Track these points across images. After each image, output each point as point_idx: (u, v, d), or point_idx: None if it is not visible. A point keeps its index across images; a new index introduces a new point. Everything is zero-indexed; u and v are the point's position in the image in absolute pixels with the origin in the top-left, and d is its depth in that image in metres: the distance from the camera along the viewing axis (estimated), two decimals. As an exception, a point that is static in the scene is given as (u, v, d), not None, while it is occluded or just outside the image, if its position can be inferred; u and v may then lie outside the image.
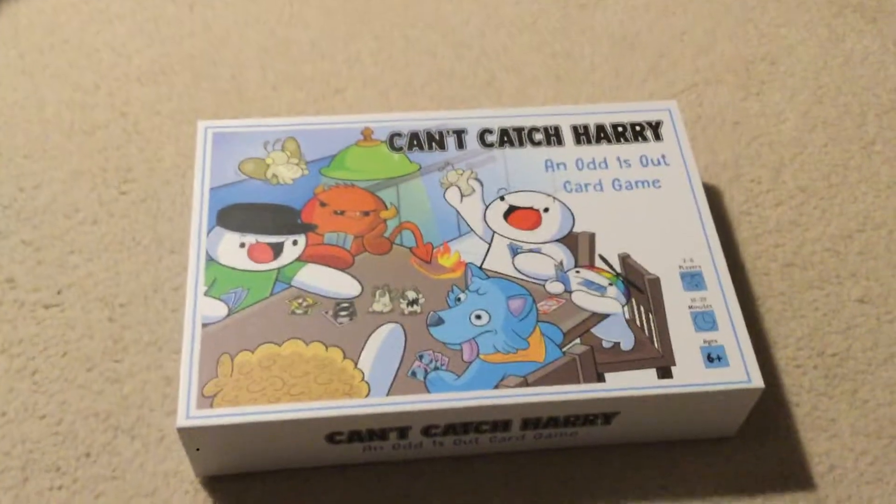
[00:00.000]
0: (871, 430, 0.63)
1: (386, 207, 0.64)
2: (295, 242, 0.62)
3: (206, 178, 0.64)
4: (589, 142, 0.68)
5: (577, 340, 0.58)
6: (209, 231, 0.61)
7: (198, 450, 0.55)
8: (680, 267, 0.62)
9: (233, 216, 0.62)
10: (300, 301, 0.59)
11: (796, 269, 0.70)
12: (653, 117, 0.69)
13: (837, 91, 0.81)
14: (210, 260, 0.60)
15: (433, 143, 0.67)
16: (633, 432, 0.59)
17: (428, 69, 0.80)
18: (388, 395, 0.55)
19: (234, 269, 0.60)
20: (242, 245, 0.61)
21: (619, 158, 0.67)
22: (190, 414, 0.54)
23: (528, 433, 0.58)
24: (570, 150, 0.67)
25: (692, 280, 0.61)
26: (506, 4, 0.85)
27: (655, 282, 0.61)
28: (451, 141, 0.67)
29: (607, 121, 0.69)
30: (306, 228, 0.62)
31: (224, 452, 0.56)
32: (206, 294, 0.59)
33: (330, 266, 0.61)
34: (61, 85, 0.77)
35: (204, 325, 0.57)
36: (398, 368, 0.56)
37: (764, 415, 0.62)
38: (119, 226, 0.69)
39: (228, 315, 0.58)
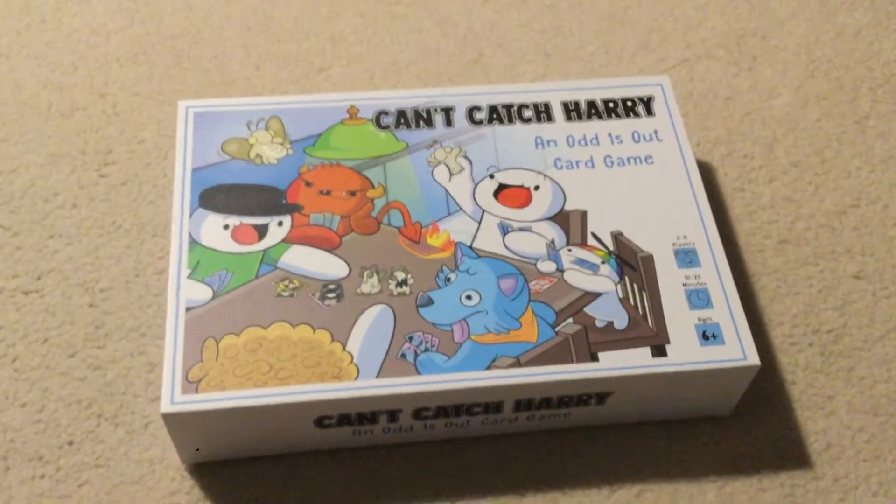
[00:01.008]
0: (868, 408, 0.62)
1: (373, 187, 0.62)
2: (280, 224, 0.60)
3: (187, 158, 0.63)
4: (580, 118, 0.66)
5: (570, 320, 0.57)
6: (192, 213, 0.60)
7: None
8: (673, 244, 0.60)
9: (216, 197, 0.61)
10: (286, 283, 0.57)
11: (790, 245, 0.69)
12: (644, 93, 0.68)
13: (830, 65, 0.79)
14: (193, 242, 0.59)
15: (421, 121, 0.66)
16: (628, 412, 0.58)
17: (414, 47, 0.78)
18: (377, 377, 0.54)
19: (217, 251, 0.59)
20: (226, 227, 0.60)
21: (610, 135, 0.66)
22: (175, 399, 0.52)
23: (521, 415, 0.57)
24: (560, 127, 0.66)
25: (686, 257, 0.60)
26: None
27: (649, 259, 0.60)
28: (439, 119, 0.66)
29: (598, 97, 0.67)
30: (291, 209, 0.61)
31: (211, 438, 0.55)
32: (189, 277, 0.57)
33: (316, 247, 0.59)
34: (38, 66, 0.75)
35: (188, 309, 0.56)
36: (387, 350, 0.55)
37: (759, 393, 0.62)
38: (99, 209, 0.68)
39: (213, 298, 0.56)
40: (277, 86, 0.75)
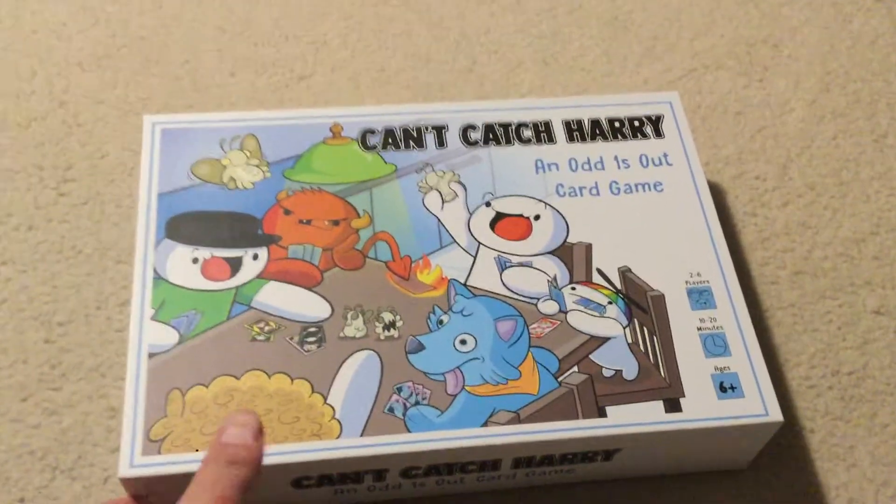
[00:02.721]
0: (892, 459, 0.57)
1: (358, 215, 0.57)
2: (255, 257, 0.54)
3: (153, 182, 0.57)
4: (583, 139, 0.61)
5: (575, 368, 0.52)
6: (157, 244, 0.54)
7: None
8: (686, 282, 0.55)
9: (184, 227, 0.55)
10: (261, 325, 0.52)
11: (807, 276, 0.64)
12: (653, 111, 0.62)
13: (846, 77, 0.74)
14: (158, 278, 0.53)
15: (410, 141, 0.60)
16: (636, 467, 0.53)
17: (403, 53, 0.72)
18: (362, 435, 0.49)
19: (185, 288, 0.53)
20: (195, 260, 0.54)
21: (616, 158, 0.60)
22: (134, 462, 0.47)
23: (520, 471, 0.52)
24: (562, 149, 0.60)
25: (700, 297, 0.55)
26: None
27: (659, 299, 0.55)
28: (430, 138, 0.60)
29: (603, 115, 0.62)
30: (268, 240, 0.55)
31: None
32: (153, 318, 0.51)
33: (295, 284, 0.54)
34: (-8, 71, 0.69)
35: (151, 356, 0.50)
36: (374, 404, 0.50)
37: (776, 442, 0.57)
38: (57, 232, 0.62)
39: (179, 343, 0.51)
40: (254, 94, 0.69)
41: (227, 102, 0.68)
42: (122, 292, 0.60)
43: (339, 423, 0.49)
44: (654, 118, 0.62)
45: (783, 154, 0.70)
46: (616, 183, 0.59)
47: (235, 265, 0.54)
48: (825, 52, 0.76)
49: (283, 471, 0.48)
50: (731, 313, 0.54)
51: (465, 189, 0.58)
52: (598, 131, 0.61)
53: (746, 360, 0.53)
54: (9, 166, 0.64)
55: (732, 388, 0.52)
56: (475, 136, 0.61)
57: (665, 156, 0.61)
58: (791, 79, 0.74)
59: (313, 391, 0.50)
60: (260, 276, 0.54)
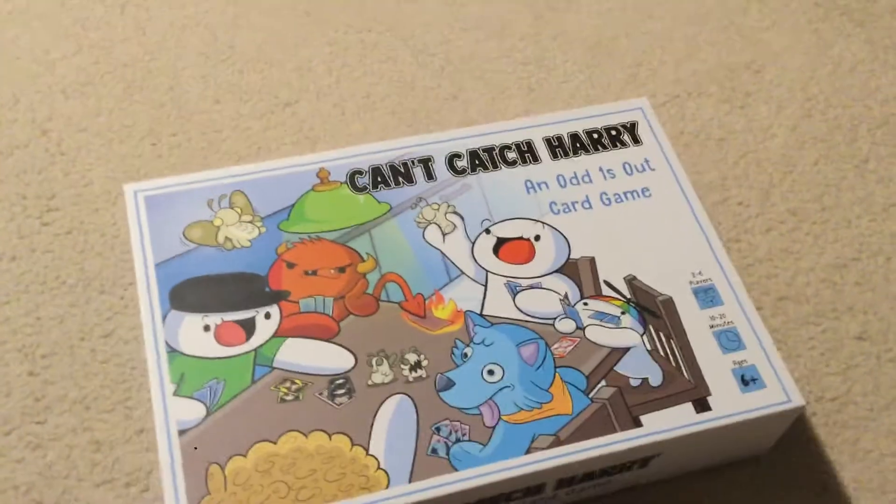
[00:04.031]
0: (876, 484, 0.58)
1: (362, 259, 0.56)
2: (268, 316, 0.54)
3: (147, 253, 0.55)
4: (566, 154, 0.62)
5: (603, 382, 0.53)
6: (164, 317, 0.53)
7: None
8: (690, 282, 0.57)
9: (189, 294, 0.54)
10: (288, 385, 0.51)
11: (790, 302, 0.65)
12: (626, 119, 0.64)
13: (827, 103, 0.75)
14: (172, 351, 0.52)
15: (399, 178, 0.60)
16: (670, 470, 0.55)
17: (388, 79, 0.72)
18: (410, 481, 0.48)
19: (202, 358, 0.52)
20: (207, 328, 0.53)
21: (601, 169, 0.62)
22: (187, 545, 0.46)
23: (561, 491, 0.53)
24: (548, 167, 0.61)
25: (706, 296, 0.56)
26: (472, 5, 0.77)
27: (669, 303, 0.56)
28: (418, 172, 0.60)
29: (580, 128, 0.63)
30: (277, 297, 0.54)
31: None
32: (175, 394, 0.50)
33: (313, 338, 0.53)
34: (-32, 109, 0.66)
35: (181, 433, 0.49)
36: (416, 447, 0.49)
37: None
38: (41, 262, 0.60)
39: (207, 416, 0.50)
40: (239, 121, 0.68)
41: (212, 130, 0.67)
42: (107, 323, 0.59)
43: (385, 473, 0.49)
44: (629, 125, 0.64)
45: (766, 179, 0.71)
46: (605, 194, 0.60)
47: (249, 327, 0.53)
48: (806, 78, 0.77)
49: (338, 529, 0.48)
50: (738, 307, 0.56)
51: (463, 219, 0.59)
52: (578, 145, 0.62)
53: (761, 350, 0.54)
54: (-8, 195, 0.62)
55: (753, 380, 0.53)
56: (461, 164, 0.61)
57: (647, 161, 0.62)
58: (773, 105, 0.75)
59: (353, 444, 0.49)
60: (276, 335, 0.53)
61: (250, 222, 0.57)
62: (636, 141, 0.63)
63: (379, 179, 0.60)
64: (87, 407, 0.56)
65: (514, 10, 0.77)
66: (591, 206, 0.60)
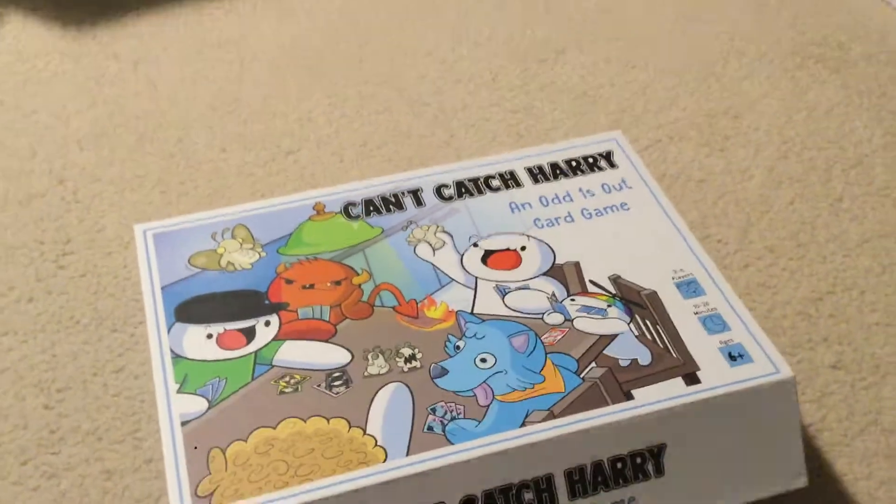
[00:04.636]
0: None
1: (357, 273, 0.59)
2: (267, 323, 0.56)
3: (154, 279, 0.58)
4: (547, 179, 0.66)
5: (593, 364, 0.54)
6: (169, 329, 0.55)
7: None
8: (673, 278, 0.59)
9: (193, 309, 0.57)
10: (287, 379, 0.53)
11: (767, 334, 0.66)
12: (603, 148, 0.68)
13: (802, 145, 0.80)
14: (176, 357, 0.54)
15: (391, 206, 0.64)
16: (686, 483, 0.53)
17: (384, 128, 0.77)
18: (407, 455, 0.49)
19: (205, 360, 0.54)
20: (210, 336, 0.55)
21: (581, 189, 0.65)
22: (187, 519, 0.46)
23: (579, 501, 0.52)
24: (530, 190, 0.65)
25: (689, 288, 0.59)
26: (463, 59, 0.84)
27: (653, 295, 0.58)
28: (408, 201, 0.64)
29: (559, 158, 0.68)
30: (276, 308, 0.57)
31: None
32: (179, 392, 0.52)
33: (311, 339, 0.55)
34: (-6, 150, 0.72)
35: (183, 423, 0.50)
36: (412, 426, 0.50)
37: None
38: (57, 303, 0.63)
39: (209, 408, 0.51)
40: (244, 168, 0.73)
41: (219, 177, 0.71)
42: (118, 360, 0.61)
43: (382, 449, 0.49)
44: (605, 153, 0.68)
45: (744, 218, 0.74)
46: (586, 209, 0.64)
47: (249, 334, 0.55)
48: (783, 123, 0.81)
49: (343, 502, 0.48)
50: (721, 296, 0.58)
51: (452, 236, 0.62)
52: (558, 171, 0.67)
53: (746, 331, 0.56)
54: (10, 242, 0.66)
55: (741, 356, 0.54)
56: (449, 192, 0.65)
57: (623, 181, 0.66)
58: (751, 148, 0.79)
59: (351, 426, 0.51)
60: (276, 339, 0.55)
61: (251, 248, 0.61)
62: (612, 165, 0.67)
63: (371, 208, 0.64)
64: (100, 438, 0.57)
65: (504, 62, 0.84)
66: (573, 220, 0.63)
